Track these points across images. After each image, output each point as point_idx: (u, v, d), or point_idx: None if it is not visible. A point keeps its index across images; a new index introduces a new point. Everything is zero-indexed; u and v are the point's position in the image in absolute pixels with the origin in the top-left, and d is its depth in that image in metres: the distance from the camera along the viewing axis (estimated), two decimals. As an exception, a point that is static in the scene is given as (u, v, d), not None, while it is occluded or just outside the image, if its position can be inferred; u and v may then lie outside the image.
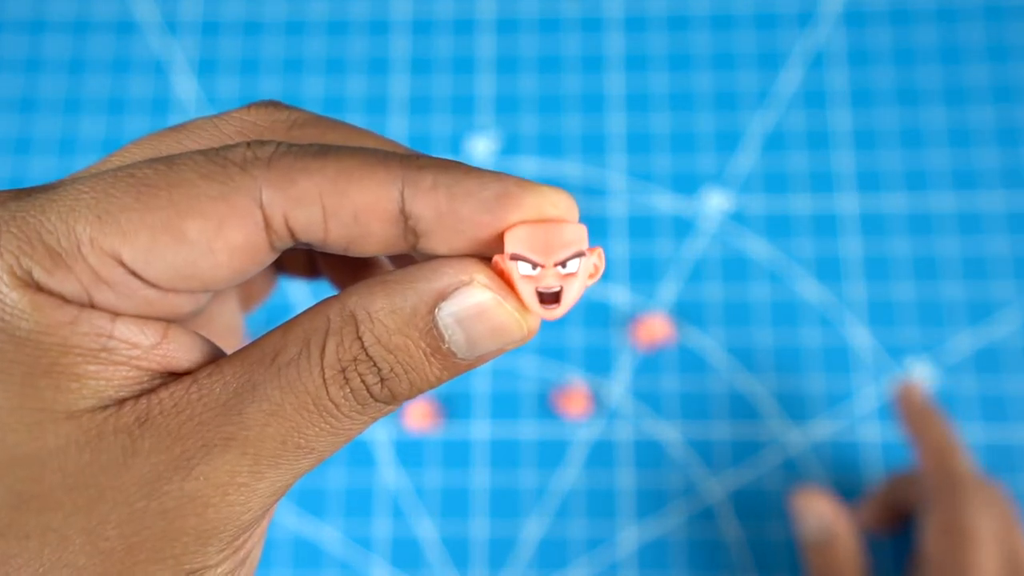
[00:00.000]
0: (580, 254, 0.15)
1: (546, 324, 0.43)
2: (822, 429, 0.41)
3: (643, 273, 0.43)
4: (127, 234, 0.14)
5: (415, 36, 0.47)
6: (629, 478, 0.41)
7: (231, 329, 0.20)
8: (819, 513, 0.36)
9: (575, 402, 0.41)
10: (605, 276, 0.43)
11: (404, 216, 0.14)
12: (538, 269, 0.15)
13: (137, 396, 0.14)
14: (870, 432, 0.41)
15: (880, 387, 0.41)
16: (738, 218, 0.44)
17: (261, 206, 0.14)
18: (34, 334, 0.13)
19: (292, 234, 0.15)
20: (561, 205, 0.15)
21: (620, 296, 0.43)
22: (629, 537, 0.40)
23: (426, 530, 0.41)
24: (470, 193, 0.14)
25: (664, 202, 0.44)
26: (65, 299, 0.14)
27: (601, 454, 0.41)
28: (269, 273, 0.22)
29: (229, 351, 0.15)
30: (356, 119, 0.46)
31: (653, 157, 0.45)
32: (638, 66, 0.46)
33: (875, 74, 0.46)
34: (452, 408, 0.42)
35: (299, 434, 0.14)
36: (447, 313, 0.14)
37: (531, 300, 0.15)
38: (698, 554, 0.40)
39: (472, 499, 0.41)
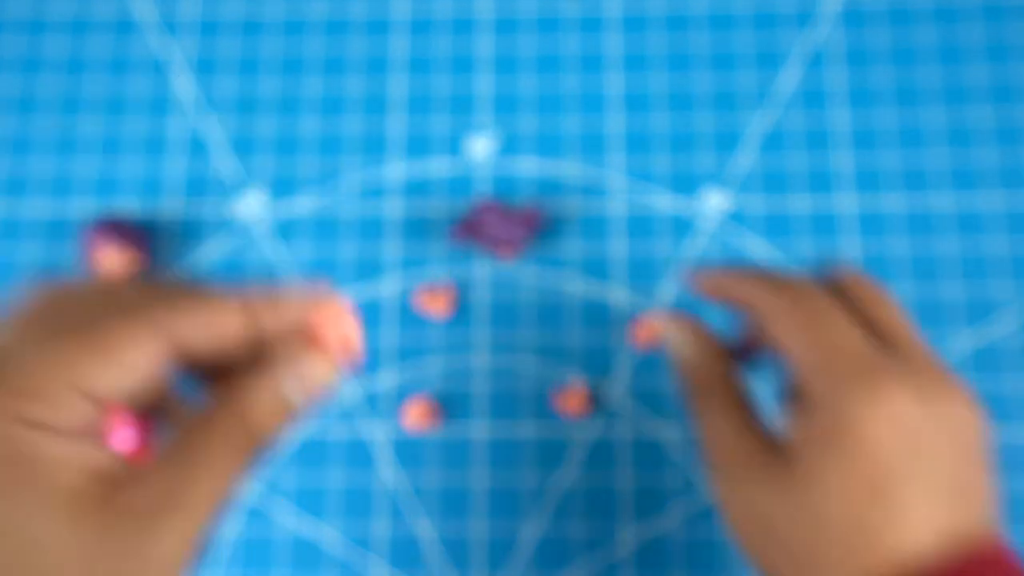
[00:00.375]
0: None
1: (546, 323, 0.43)
2: (822, 429, 0.41)
3: (642, 273, 0.43)
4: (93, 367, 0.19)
5: (414, 36, 0.47)
6: (628, 478, 0.41)
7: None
8: (686, 332, 0.30)
9: (574, 402, 0.41)
10: (604, 275, 0.43)
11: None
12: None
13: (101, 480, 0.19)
14: (870, 432, 0.41)
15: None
16: (737, 218, 0.44)
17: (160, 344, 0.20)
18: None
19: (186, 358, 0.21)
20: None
21: (619, 296, 0.43)
22: (628, 537, 0.40)
23: (425, 530, 0.41)
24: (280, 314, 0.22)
25: (663, 202, 0.44)
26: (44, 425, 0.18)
27: (600, 454, 0.41)
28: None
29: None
30: (355, 119, 0.46)
31: (652, 157, 0.45)
32: (637, 66, 0.46)
33: (874, 74, 0.46)
34: (450, 408, 0.42)
35: (218, 501, 0.20)
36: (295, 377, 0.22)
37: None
38: (697, 554, 0.40)
39: (471, 499, 0.41)
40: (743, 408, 0.28)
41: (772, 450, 0.26)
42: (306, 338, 0.22)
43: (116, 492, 0.19)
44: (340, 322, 0.22)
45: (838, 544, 0.24)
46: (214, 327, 0.21)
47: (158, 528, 0.19)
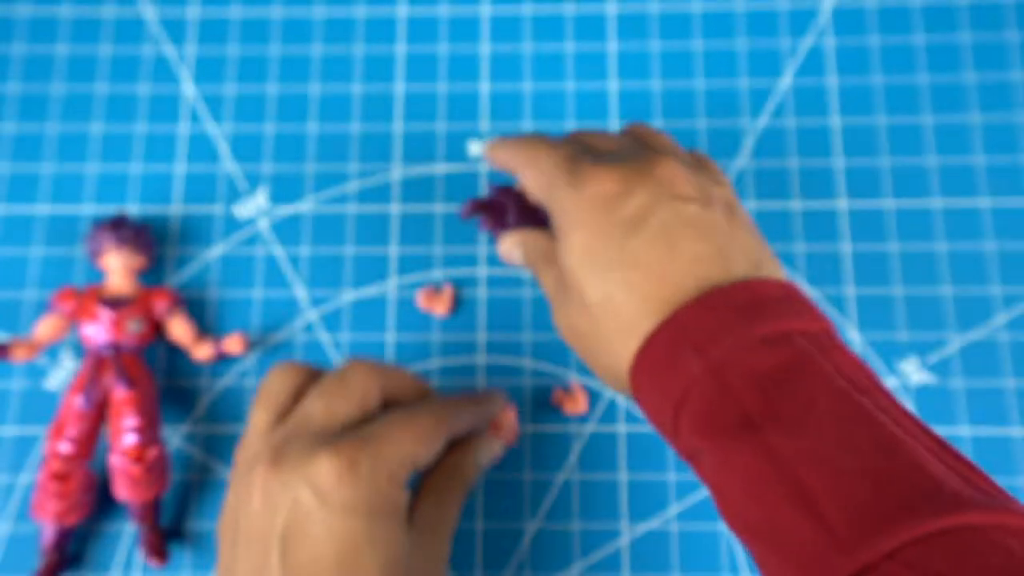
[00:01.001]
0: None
1: (546, 323, 0.43)
2: (815, 426, 0.42)
3: (640, 273, 0.44)
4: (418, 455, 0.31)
5: (415, 36, 0.48)
6: (627, 475, 0.42)
7: None
8: (514, 240, 0.36)
9: (574, 399, 0.42)
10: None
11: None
12: None
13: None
14: (861, 429, 0.42)
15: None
16: (733, 219, 0.44)
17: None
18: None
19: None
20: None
21: (617, 296, 0.43)
22: (627, 534, 0.41)
23: (426, 526, 0.41)
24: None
25: (660, 203, 0.45)
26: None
27: (600, 451, 0.42)
28: None
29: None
30: (357, 120, 0.46)
31: (650, 159, 0.45)
32: (636, 67, 0.47)
33: (871, 75, 0.46)
34: (452, 406, 0.43)
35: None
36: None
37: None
38: (695, 550, 0.41)
39: (471, 498, 0.42)
40: (555, 263, 0.34)
41: None
42: (492, 425, 0.36)
43: (413, 517, 0.31)
44: (511, 417, 0.37)
45: (603, 323, 0.30)
46: (472, 423, 0.34)
47: (437, 537, 0.31)
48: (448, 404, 0.33)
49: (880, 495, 0.22)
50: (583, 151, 0.32)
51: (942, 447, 0.24)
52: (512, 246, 0.36)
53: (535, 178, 0.33)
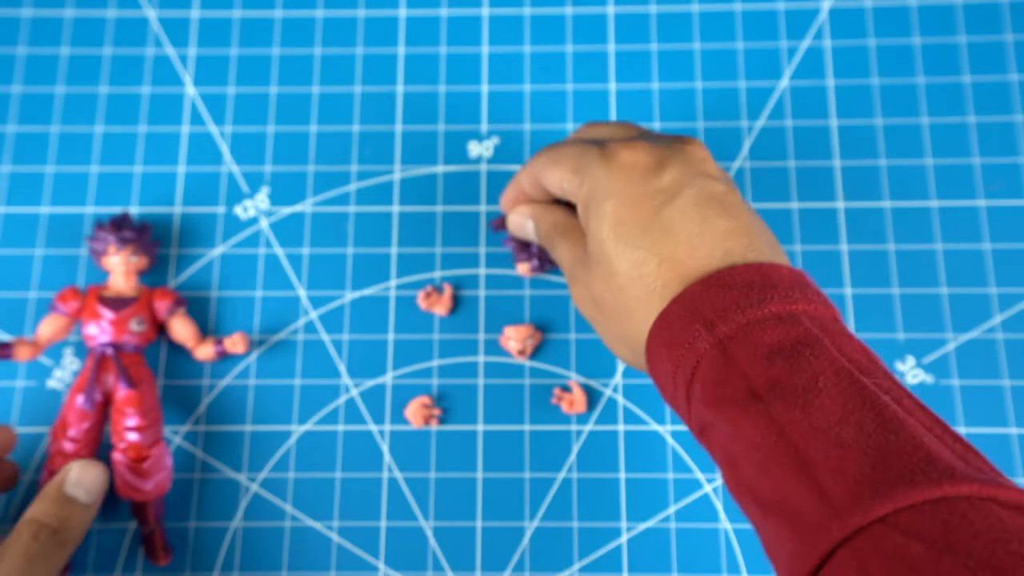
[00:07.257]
0: None
1: (546, 322, 0.44)
2: (812, 426, 0.42)
3: (639, 274, 0.44)
4: None
5: (415, 36, 0.48)
6: (628, 474, 0.42)
7: None
8: (523, 209, 0.39)
9: (573, 400, 0.42)
10: (601, 276, 0.44)
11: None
12: None
13: None
14: (859, 429, 0.42)
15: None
16: (731, 220, 0.45)
17: None
18: None
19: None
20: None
21: (616, 296, 0.44)
22: (627, 533, 0.41)
23: (424, 527, 0.41)
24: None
25: (659, 204, 0.45)
26: None
27: (601, 453, 0.42)
28: None
29: None
30: (357, 119, 0.47)
31: (649, 160, 0.45)
32: (637, 66, 0.47)
33: (869, 76, 0.46)
34: (451, 407, 0.43)
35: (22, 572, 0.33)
36: (70, 483, 0.37)
37: None
38: (695, 548, 0.41)
39: (470, 497, 0.42)
40: (574, 236, 0.35)
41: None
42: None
43: None
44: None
45: (628, 287, 0.30)
46: None
47: None
48: None
49: (877, 467, 0.23)
50: (602, 139, 0.34)
51: (942, 427, 0.25)
52: (522, 218, 0.37)
53: (561, 172, 0.33)
